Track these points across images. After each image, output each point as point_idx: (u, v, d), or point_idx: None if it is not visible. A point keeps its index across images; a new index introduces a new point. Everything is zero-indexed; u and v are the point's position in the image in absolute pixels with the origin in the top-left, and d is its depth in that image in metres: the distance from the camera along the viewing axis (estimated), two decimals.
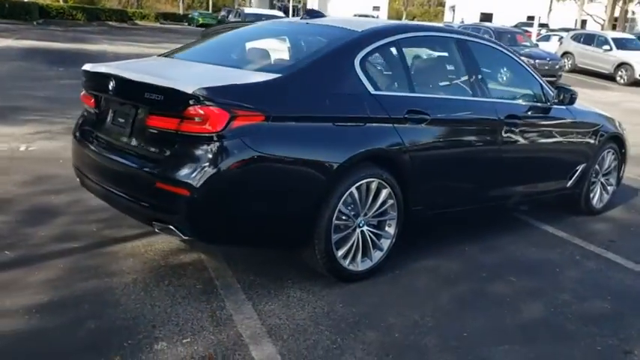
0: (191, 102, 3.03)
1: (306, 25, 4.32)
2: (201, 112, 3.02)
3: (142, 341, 2.87)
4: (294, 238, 3.46)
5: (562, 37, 23.60)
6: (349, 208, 3.53)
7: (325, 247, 3.44)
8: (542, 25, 38.84)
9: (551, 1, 50.35)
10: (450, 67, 4.36)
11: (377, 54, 3.83)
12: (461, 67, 4.31)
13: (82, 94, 3.97)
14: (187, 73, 3.70)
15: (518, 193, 4.73)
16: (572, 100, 4.84)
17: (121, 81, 3.45)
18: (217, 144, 3.04)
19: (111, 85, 3.48)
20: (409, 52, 4.03)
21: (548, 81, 5.09)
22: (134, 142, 3.41)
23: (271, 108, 3.18)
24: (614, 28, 44.47)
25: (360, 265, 3.67)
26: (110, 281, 3.48)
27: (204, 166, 3.04)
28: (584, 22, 48.02)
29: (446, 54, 4.39)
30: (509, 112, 4.41)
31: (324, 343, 2.98)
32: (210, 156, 3.05)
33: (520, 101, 4.67)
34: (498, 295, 3.72)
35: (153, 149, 3.28)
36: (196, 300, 3.32)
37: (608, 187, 5.73)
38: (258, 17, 18.14)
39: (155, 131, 3.23)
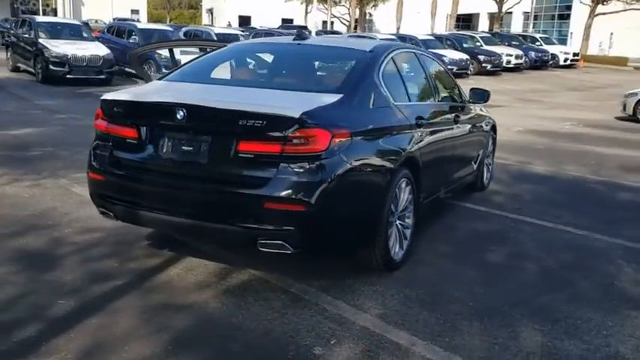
0: (297, 126, 3.29)
1: (314, 47, 4.68)
2: (309, 134, 3.31)
3: (300, 352, 3.08)
4: (367, 239, 3.87)
5: None
6: (392, 206, 4.06)
7: (385, 242, 3.94)
8: (302, 27, 41.81)
9: (307, 5, 54.24)
10: (420, 77, 5.10)
11: (386, 69, 4.37)
12: (424, 76, 5.09)
13: (107, 124, 3.82)
14: (263, 98, 3.82)
15: (459, 176, 5.69)
16: (486, 99, 5.93)
17: (201, 110, 3.50)
18: (323, 161, 3.36)
19: (180, 114, 3.48)
20: (399, 67, 4.66)
21: None
22: (218, 169, 3.49)
23: (351, 125, 3.59)
24: (355, 28, 49.78)
25: (399, 255, 4.23)
26: (206, 312, 3.51)
27: (315, 183, 3.33)
28: (332, 24, 52.78)
29: (415, 66, 5.11)
30: (455, 111, 5.33)
31: (432, 320, 3.49)
32: (318, 173, 3.34)
33: (455, 100, 5.62)
34: (495, 261, 4.59)
35: (248, 173, 3.41)
36: (297, 308, 3.55)
37: (489, 167, 7.07)
38: (54, 26, 16.76)
39: (251, 156, 3.39)
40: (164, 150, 3.64)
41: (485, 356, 3.13)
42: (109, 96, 3.88)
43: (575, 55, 31.88)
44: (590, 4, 36.31)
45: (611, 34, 44.48)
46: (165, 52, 16.25)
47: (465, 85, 6.42)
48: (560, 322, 3.56)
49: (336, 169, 3.41)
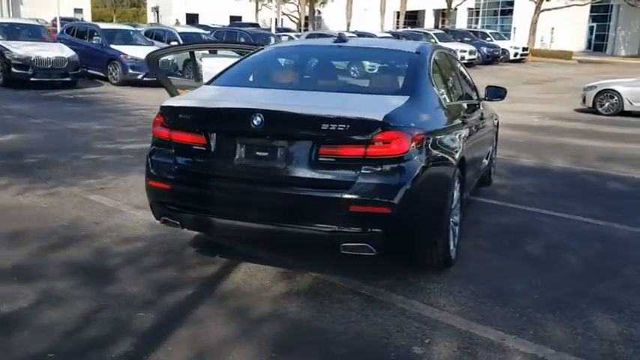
0: (380, 129, 3.33)
1: (359, 49, 4.69)
2: (392, 136, 3.35)
3: (401, 353, 3.13)
4: (435, 237, 3.92)
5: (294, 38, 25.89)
6: (450, 204, 4.15)
7: (446, 239, 4.02)
8: (253, 25, 41.55)
9: (257, 2, 53.89)
10: (453, 76, 5.20)
11: (433, 70, 4.43)
12: (456, 75, 5.20)
13: (170, 131, 3.75)
14: (335, 101, 3.83)
15: (480, 172, 5.84)
16: (503, 95, 6.08)
17: (280, 115, 3.49)
18: (404, 163, 3.41)
19: (257, 119, 3.45)
20: (440, 67, 4.74)
21: None
22: (298, 173, 3.48)
23: (423, 127, 3.65)
24: (306, 25, 49.87)
25: (453, 252, 4.32)
26: (289, 316, 3.51)
27: (398, 184, 3.38)
28: (282, 21, 52.63)
29: (448, 65, 5.21)
30: (478, 108, 5.47)
31: (508, 314, 3.60)
32: (400, 174, 3.40)
33: (477, 97, 5.75)
34: (536, 253, 4.75)
35: (330, 176, 3.42)
36: (376, 309, 3.59)
37: (494, 162, 7.27)
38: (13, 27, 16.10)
39: (332, 159, 3.40)
40: (237, 156, 3.60)
41: (574, 346, 3.25)
42: (171, 103, 3.81)
43: (524, 49, 32.96)
44: (536, 0, 37.59)
45: (552, 29, 46.21)
46: (134, 53, 16.04)
47: None
48: (625, 310, 3.73)
49: (415, 171, 3.47)
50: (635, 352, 3.22)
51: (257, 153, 3.57)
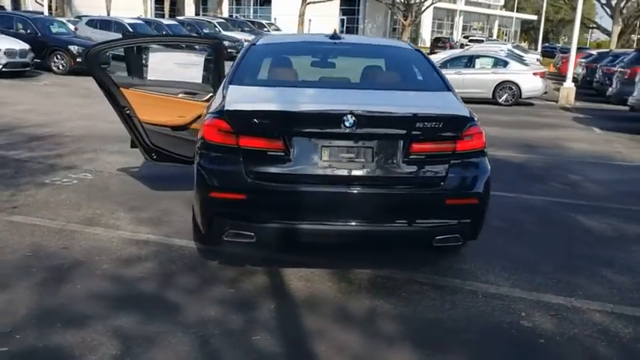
0: (469, 124, 3.56)
1: (362, 45, 4.72)
2: (477, 131, 3.61)
3: (524, 330, 3.43)
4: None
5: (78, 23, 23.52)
6: None
7: None
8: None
9: None
10: None
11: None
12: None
13: (238, 137, 3.46)
14: (407, 99, 3.91)
15: None
16: None
17: (371, 116, 3.50)
18: (483, 155, 3.69)
19: (349, 121, 3.40)
20: None
21: None
22: (389, 172, 3.53)
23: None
24: (56, 9, 45.47)
25: None
26: (395, 315, 3.56)
27: (482, 176, 3.65)
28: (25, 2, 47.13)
29: None
30: None
31: (547, 280, 4.13)
32: (482, 166, 3.68)
33: None
34: (497, 225, 5.41)
35: (422, 173, 3.54)
36: (464, 296, 3.83)
37: None
38: None
39: (422, 156, 3.52)
40: (322, 158, 3.50)
41: (616, 298, 3.91)
42: (238, 107, 3.51)
43: None
44: None
45: (310, 20, 49.38)
46: None
47: None
48: (616, 264, 4.55)
49: (488, 162, 3.76)
50: None
51: (344, 154, 3.51)
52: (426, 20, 50.71)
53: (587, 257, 4.68)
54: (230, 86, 3.94)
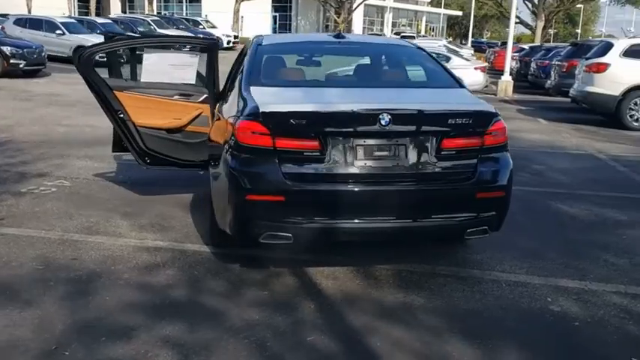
0: (495, 120, 3.69)
1: (369, 44, 4.76)
2: (501, 126, 3.75)
3: (563, 315, 3.59)
4: None
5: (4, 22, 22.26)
6: None
7: None
8: None
9: None
10: None
11: None
12: None
13: (274, 139, 3.45)
14: (435, 96, 4.03)
15: None
16: None
17: (406, 113, 3.59)
18: (506, 149, 3.84)
19: (385, 119, 3.46)
20: None
21: None
22: (422, 168, 3.62)
23: None
24: None
25: None
26: (438, 309, 3.65)
27: (506, 169, 3.79)
28: None
29: None
30: None
31: (557, 266, 4.34)
32: (505, 159, 3.82)
33: None
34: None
35: (454, 168, 3.65)
36: (477, 284, 3.97)
37: None
38: None
39: (453, 152, 3.63)
40: (356, 157, 3.53)
41: (621, 278, 4.16)
42: (274, 109, 3.50)
43: (235, 37, 34.32)
44: None
45: (242, 17, 48.96)
46: None
47: None
48: (610, 247, 4.83)
49: (509, 156, 3.91)
50: None
51: (378, 152, 3.57)
52: (357, 17, 51.25)
53: (583, 242, 4.93)
54: (251, 87, 3.90)
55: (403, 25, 61.38)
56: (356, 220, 3.56)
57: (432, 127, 3.65)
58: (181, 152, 5.23)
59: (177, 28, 29.90)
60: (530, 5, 44.65)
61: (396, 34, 50.58)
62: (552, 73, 16.17)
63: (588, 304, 3.73)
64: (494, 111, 3.77)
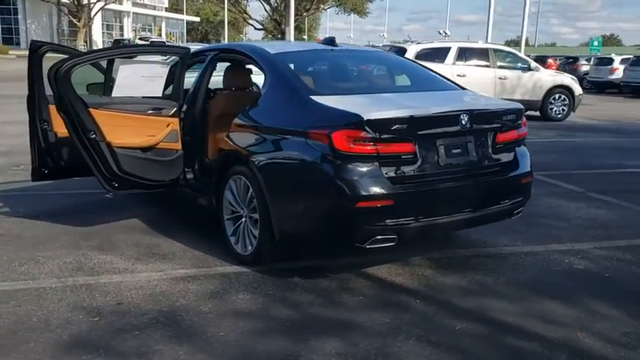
0: (523, 114, 4.30)
1: (367, 52, 4.91)
2: (525, 120, 4.37)
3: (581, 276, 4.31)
4: None
5: None
6: None
7: None
8: None
9: None
10: None
11: None
12: None
13: (375, 145, 3.56)
14: (465, 98, 4.40)
15: None
16: None
17: (480, 114, 3.99)
18: (525, 141, 4.46)
19: (465, 120, 3.81)
20: None
21: None
22: (484, 162, 4.05)
23: None
24: None
25: None
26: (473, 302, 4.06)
27: (529, 157, 4.42)
28: None
29: None
30: None
31: (562, 233, 5.12)
32: (526, 149, 4.43)
33: None
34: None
35: (503, 159, 4.16)
36: (508, 259, 4.52)
37: None
38: None
39: (501, 145, 4.13)
40: (439, 156, 3.80)
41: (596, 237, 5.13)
42: (377, 116, 3.55)
43: None
44: None
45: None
46: None
47: None
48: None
49: None
50: None
51: (452, 150, 3.87)
52: (96, 22, 48.22)
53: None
54: (313, 97, 3.87)
55: (143, 31, 59.66)
56: (449, 214, 3.86)
57: (492, 124, 4.10)
58: (154, 172, 4.76)
59: None
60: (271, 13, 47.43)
61: (140, 39, 48.97)
62: None
63: (598, 260, 4.50)
64: (521, 107, 4.36)
